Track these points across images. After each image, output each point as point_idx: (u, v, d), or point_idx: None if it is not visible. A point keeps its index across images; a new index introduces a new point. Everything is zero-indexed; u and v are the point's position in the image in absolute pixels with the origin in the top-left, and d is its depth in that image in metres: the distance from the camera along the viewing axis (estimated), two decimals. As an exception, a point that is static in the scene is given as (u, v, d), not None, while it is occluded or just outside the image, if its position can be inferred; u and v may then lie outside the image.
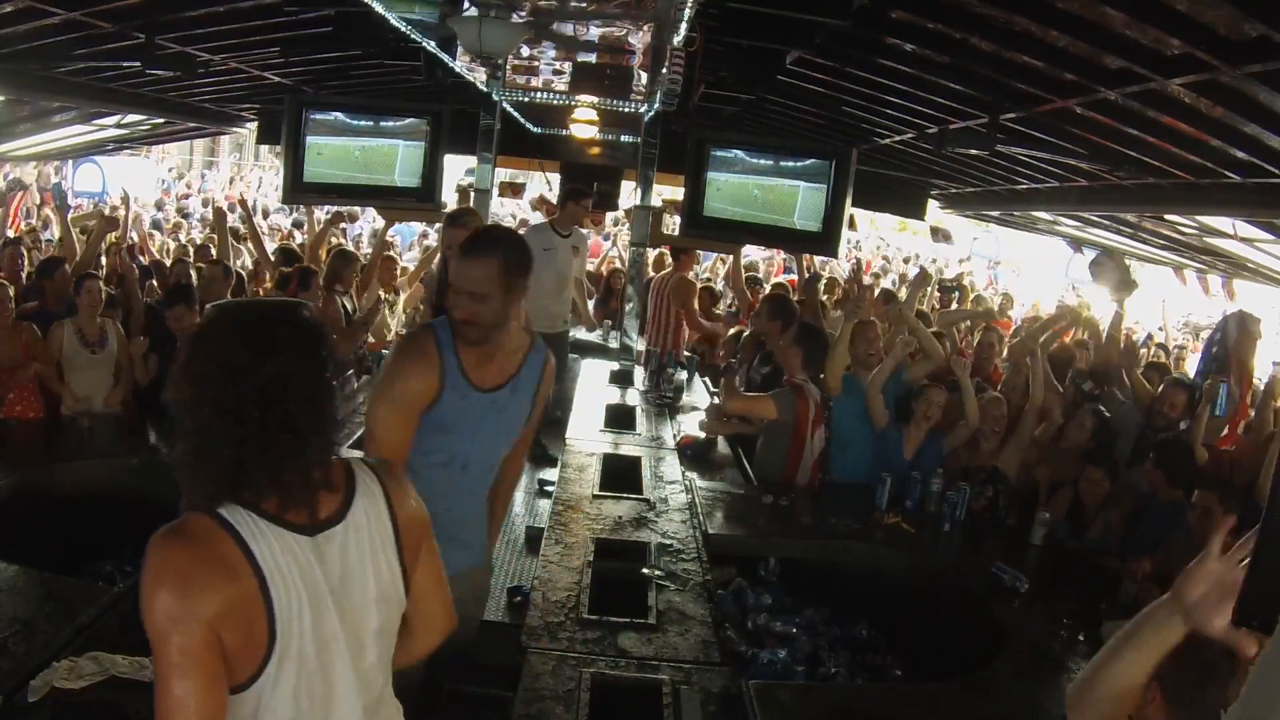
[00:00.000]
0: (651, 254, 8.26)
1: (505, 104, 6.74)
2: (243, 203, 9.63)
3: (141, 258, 7.21)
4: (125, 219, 7.75)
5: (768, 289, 7.44)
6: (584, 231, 7.34)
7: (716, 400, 5.57)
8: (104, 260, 6.20)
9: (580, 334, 7.74)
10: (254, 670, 1.28)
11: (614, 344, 7.37)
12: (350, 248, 7.68)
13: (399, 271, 7.11)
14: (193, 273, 6.32)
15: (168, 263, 6.93)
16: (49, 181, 12.13)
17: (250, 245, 7.38)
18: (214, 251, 6.76)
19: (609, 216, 12.74)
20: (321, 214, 7.36)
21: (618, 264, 9.31)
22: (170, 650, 1.21)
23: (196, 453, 1.30)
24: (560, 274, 5.69)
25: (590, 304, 8.81)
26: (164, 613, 1.21)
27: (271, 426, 1.29)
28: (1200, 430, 4.27)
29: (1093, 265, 5.39)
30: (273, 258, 6.69)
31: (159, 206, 14.28)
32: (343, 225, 9.23)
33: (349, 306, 5.84)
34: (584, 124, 7.07)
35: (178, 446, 1.31)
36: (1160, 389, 4.50)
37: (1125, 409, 4.54)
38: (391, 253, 7.68)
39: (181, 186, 17.40)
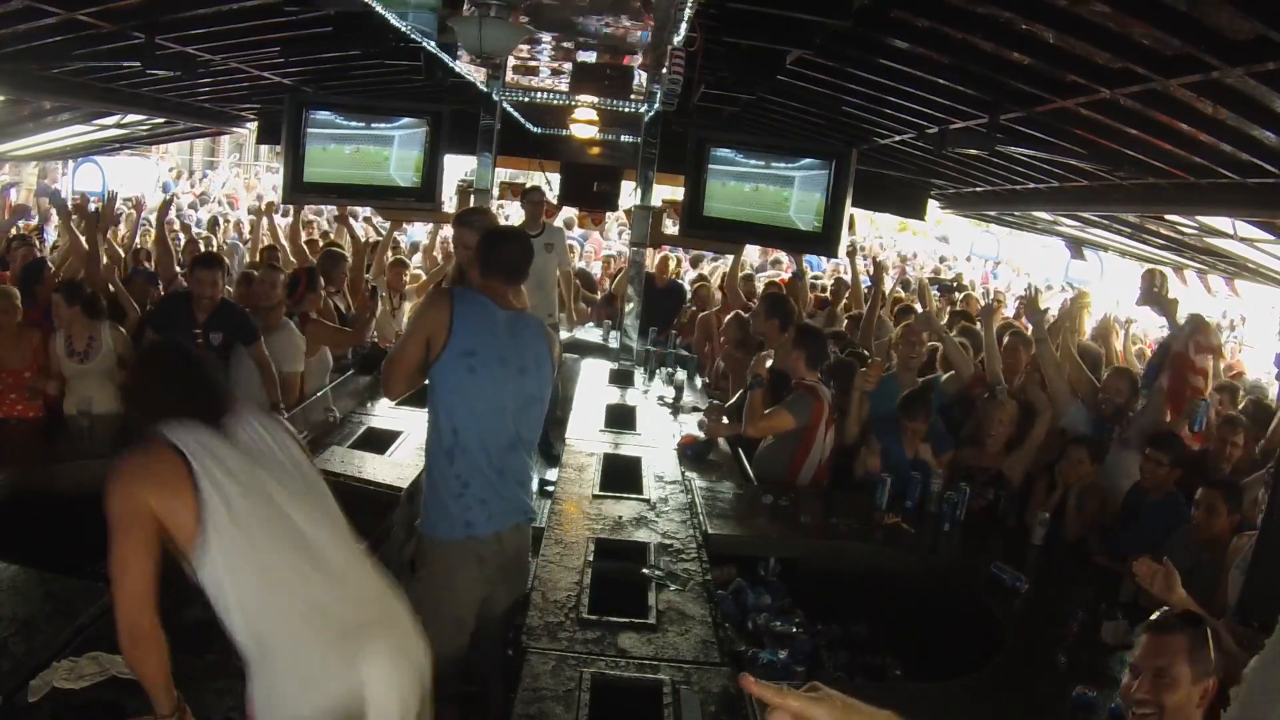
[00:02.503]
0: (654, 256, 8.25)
1: (505, 104, 6.73)
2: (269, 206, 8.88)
3: (147, 264, 7.19)
4: (135, 222, 7.77)
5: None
6: (559, 227, 7.34)
7: (716, 401, 5.57)
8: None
9: (580, 334, 7.73)
10: (196, 522, 1.82)
11: (614, 344, 7.36)
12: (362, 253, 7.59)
13: (409, 278, 7.11)
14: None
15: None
16: (48, 185, 12.12)
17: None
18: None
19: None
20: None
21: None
22: (116, 520, 1.83)
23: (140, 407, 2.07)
24: (535, 270, 5.80)
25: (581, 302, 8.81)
26: (117, 497, 1.84)
27: (186, 385, 2.04)
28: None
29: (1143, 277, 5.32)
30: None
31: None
32: (397, 234, 8.86)
33: (342, 306, 5.84)
34: (584, 124, 7.06)
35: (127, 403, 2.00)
36: (1104, 379, 4.52)
37: (1074, 412, 4.53)
38: (401, 256, 7.68)
39: (185, 186, 17.39)
